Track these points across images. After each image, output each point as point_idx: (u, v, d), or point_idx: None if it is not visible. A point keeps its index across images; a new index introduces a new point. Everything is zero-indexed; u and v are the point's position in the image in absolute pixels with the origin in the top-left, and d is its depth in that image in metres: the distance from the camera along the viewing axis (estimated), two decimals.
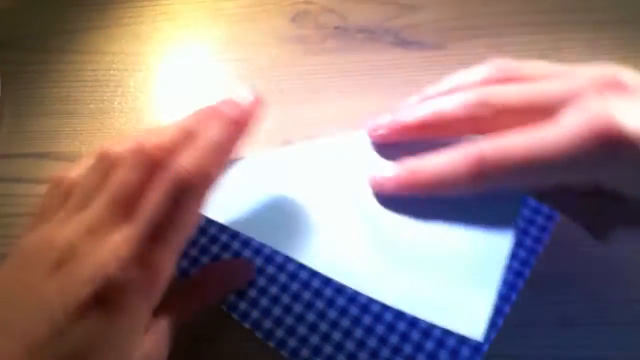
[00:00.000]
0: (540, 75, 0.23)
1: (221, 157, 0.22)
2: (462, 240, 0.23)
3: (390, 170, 0.24)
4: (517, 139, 0.21)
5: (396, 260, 0.23)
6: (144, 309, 0.20)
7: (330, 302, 0.27)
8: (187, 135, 0.22)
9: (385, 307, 0.26)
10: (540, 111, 0.22)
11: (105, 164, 0.22)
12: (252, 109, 0.23)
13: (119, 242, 0.20)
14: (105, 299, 0.19)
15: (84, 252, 0.20)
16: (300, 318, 0.26)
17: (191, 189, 0.20)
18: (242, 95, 0.23)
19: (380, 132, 0.26)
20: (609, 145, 0.19)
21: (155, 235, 0.20)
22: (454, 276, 0.22)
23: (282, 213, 0.25)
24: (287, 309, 0.27)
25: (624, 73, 0.21)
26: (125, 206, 0.21)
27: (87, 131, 0.33)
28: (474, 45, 0.36)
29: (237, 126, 0.22)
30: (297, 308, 0.27)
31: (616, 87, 0.21)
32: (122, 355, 0.20)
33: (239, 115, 0.23)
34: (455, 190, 0.22)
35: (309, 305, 0.27)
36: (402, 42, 0.36)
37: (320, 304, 0.27)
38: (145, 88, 0.35)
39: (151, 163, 0.21)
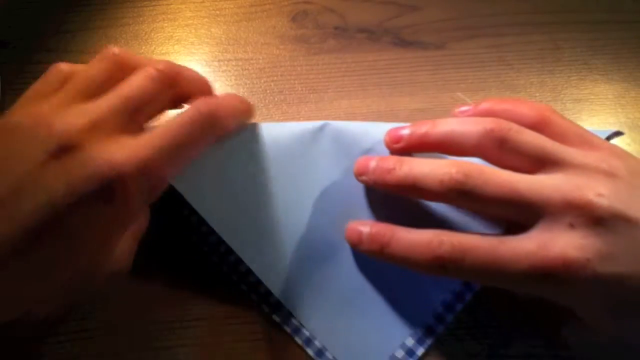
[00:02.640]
0: (567, 137, 0.23)
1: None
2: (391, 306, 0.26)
3: (362, 230, 0.25)
4: (480, 244, 0.21)
5: (330, 293, 0.26)
6: (139, 209, 0.22)
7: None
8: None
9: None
10: (538, 167, 0.22)
11: (116, 65, 0.23)
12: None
13: (133, 145, 0.21)
14: (109, 193, 0.20)
15: (90, 145, 0.20)
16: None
17: (216, 125, 0.23)
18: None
19: (401, 144, 0.26)
20: (556, 280, 0.20)
21: (167, 149, 0.21)
22: (372, 328, 0.26)
23: (244, 203, 0.26)
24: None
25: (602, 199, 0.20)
26: (137, 113, 0.22)
27: None
28: (474, 45, 0.36)
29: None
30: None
31: (591, 217, 0.20)
32: (109, 248, 0.21)
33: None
34: (416, 270, 0.23)
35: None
36: (402, 42, 0.36)
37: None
38: None
39: (168, 83, 0.23)
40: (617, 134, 0.29)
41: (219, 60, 0.36)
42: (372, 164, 0.25)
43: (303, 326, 0.26)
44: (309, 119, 0.33)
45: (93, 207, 0.20)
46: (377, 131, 0.27)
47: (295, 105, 0.34)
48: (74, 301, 0.21)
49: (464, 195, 0.22)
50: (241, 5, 0.38)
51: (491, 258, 0.21)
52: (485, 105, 0.26)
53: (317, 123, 0.28)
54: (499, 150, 0.23)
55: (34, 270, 0.19)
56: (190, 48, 0.37)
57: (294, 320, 0.26)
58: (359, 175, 0.26)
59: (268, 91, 0.35)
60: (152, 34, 0.37)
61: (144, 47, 0.37)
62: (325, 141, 0.27)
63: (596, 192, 0.21)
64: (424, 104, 0.34)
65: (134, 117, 0.22)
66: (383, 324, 0.26)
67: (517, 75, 0.35)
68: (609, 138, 0.28)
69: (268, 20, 0.38)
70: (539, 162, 0.22)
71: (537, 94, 0.34)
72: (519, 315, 0.27)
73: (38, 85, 0.23)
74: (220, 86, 0.35)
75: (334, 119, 0.33)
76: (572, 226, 0.20)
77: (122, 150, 0.20)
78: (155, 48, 0.37)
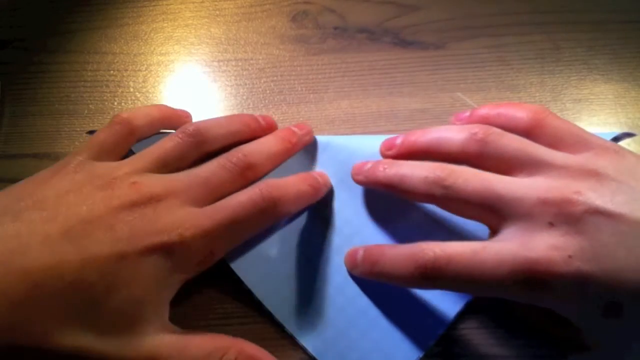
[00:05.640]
0: (562, 138, 0.24)
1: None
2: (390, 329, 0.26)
3: (357, 254, 0.26)
4: (462, 250, 0.21)
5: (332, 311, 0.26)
6: (190, 272, 0.24)
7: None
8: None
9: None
10: (519, 170, 0.23)
11: (196, 141, 0.26)
12: (304, 140, 0.29)
13: (198, 214, 0.23)
14: (168, 251, 0.22)
15: (164, 207, 0.23)
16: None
17: (276, 209, 0.25)
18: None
19: (393, 151, 0.27)
20: (539, 280, 0.20)
21: (225, 225, 0.24)
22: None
23: None
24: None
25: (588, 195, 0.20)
26: (211, 193, 0.25)
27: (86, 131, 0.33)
28: (474, 45, 0.36)
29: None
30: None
31: (570, 215, 0.20)
32: (155, 302, 0.23)
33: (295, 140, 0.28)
34: (404, 285, 0.24)
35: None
36: (402, 42, 0.36)
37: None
38: (145, 88, 0.35)
39: (243, 173, 0.25)
40: (628, 135, 0.28)
41: (218, 61, 0.36)
42: (368, 165, 0.27)
43: (306, 348, 0.26)
44: (308, 119, 0.33)
45: (149, 259, 0.22)
46: (373, 144, 0.28)
47: (295, 105, 0.34)
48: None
49: (444, 191, 0.22)
50: (241, 6, 0.38)
51: (473, 263, 0.21)
52: (481, 112, 0.27)
53: (319, 142, 0.30)
54: (481, 153, 0.23)
55: (89, 299, 0.21)
56: (190, 48, 0.37)
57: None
58: (355, 175, 0.27)
59: (268, 91, 0.35)
60: (152, 34, 0.37)
61: (143, 47, 0.37)
62: (323, 159, 0.30)
63: (574, 190, 0.20)
64: (424, 104, 0.34)
65: (206, 196, 0.24)
66: (386, 347, 0.25)
67: (517, 75, 0.35)
68: (617, 139, 0.28)
69: (268, 20, 0.38)
70: (520, 165, 0.22)
71: (537, 94, 0.34)
72: (520, 316, 0.27)
73: (101, 137, 0.26)
74: (220, 86, 0.35)
75: (334, 119, 0.33)
76: (551, 225, 0.20)
77: (187, 217, 0.23)
78: (155, 48, 0.37)
